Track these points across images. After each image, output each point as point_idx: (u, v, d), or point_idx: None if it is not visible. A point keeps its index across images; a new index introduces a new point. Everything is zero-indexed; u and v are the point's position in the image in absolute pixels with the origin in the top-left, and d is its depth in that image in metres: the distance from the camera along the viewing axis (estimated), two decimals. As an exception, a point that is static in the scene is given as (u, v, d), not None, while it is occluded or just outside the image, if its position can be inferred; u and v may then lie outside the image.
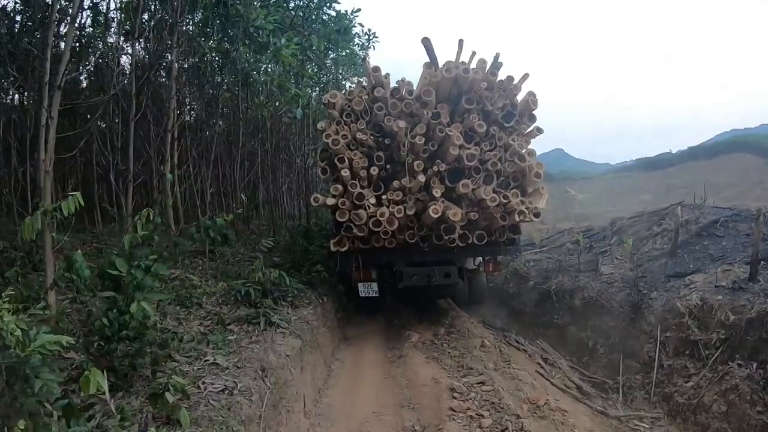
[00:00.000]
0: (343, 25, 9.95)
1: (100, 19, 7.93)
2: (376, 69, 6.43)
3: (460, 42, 6.36)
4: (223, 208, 9.35)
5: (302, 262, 7.35)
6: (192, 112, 10.03)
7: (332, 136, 6.07)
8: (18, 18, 7.04)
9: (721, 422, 4.40)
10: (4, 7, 6.81)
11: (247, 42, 7.58)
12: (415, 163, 6.01)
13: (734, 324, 4.85)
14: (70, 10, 4.67)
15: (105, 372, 2.71)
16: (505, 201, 5.85)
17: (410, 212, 6.00)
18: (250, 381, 3.32)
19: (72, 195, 2.98)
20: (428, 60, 6.61)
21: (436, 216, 5.77)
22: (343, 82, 12.35)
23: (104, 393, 2.31)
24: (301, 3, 9.36)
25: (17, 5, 6.88)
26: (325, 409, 4.63)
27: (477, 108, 6.21)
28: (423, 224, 6.17)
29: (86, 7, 7.72)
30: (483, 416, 4.13)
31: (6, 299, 2.14)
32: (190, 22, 8.17)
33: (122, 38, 7.71)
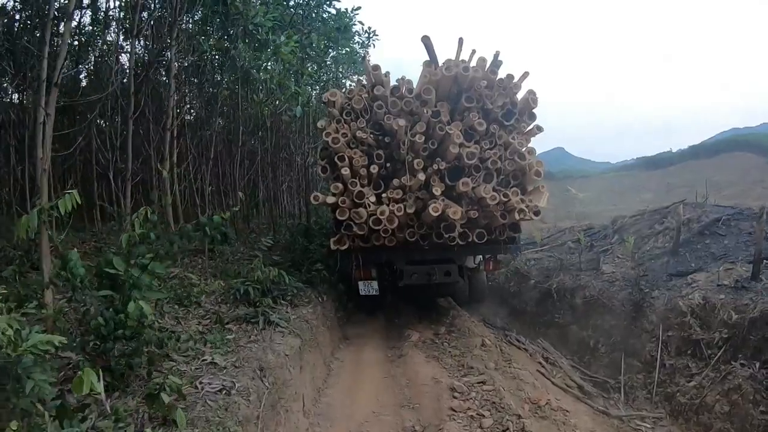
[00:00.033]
0: (343, 23, 9.92)
1: (100, 17, 7.91)
2: (376, 67, 6.43)
3: (460, 40, 6.35)
4: (222, 207, 9.30)
5: (302, 260, 7.32)
6: (192, 111, 10.01)
7: (332, 135, 6.05)
8: (18, 17, 7.03)
9: (724, 422, 4.36)
10: (4, 6, 6.79)
11: (247, 41, 7.55)
12: (415, 161, 6.00)
13: (737, 323, 4.82)
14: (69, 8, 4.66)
15: (101, 372, 2.69)
16: (505, 199, 5.84)
17: (410, 210, 5.98)
18: (248, 381, 3.29)
19: (69, 193, 2.95)
20: (428, 58, 6.60)
21: (436, 214, 5.75)
22: (344, 81, 12.33)
23: (99, 393, 2.28)
24: (301, 1, 9.33)
25: (16, 4, 6.85)
26: (325, 409, 4.59)
27: (477, 106, 6.19)
28: (423, 222, 6.15)
29: (85, 5, 7.71)
30: (484, 416, 4.10)
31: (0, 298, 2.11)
32: (190, 21, 8.14)
33: (122, 37, 7.70)
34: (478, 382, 4.79)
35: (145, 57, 7.69)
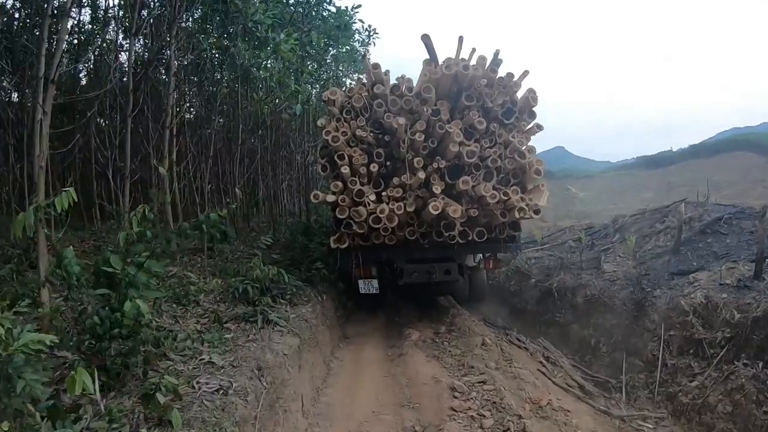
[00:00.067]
0: (343, 21, 9.89)
1: (100, 15, 7.89)
2: (376, 66, 6.44)
3: (460, 39, 6.32)
4: (222, 205, 9.28)
5: (302, 259, 7.29)
6: (192, 110, 9.99)
7: (332, 133, 6.05)
8: (17, 15, 7.01)
9: (727, 423, 4.32)
10: (3, 5, 6.78)
11: (246, 39, 7.53)
12: (415, 159, 5.98)
13: (740, 322, 4.78)
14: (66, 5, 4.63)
15: (96, 371, 2.65)
16: (505, 198, 5.83)
17: (410, 209, 5.96)
18: (246, 380, 3.25)
19: (66, 191, 2.92)
20: (428, 57, 6.59)
21: (436, 213, 5.73)
22: (344, 79, 12.29)
23: (94, 394, 2.25)
24: (301, -2, 9.30)
25: (16, 2, 6.83)
26: (324, 409, 4.56)
27: (477, 105, 6.18)
28: (423, 221, 6.14)
29: (85, 4, 7.69)
30: (484, 416, 4.06)
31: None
32: (189, 19, 8.12)
33: (121, 35, 7.68)
34: (479, 382, 4.75)
35: (145, 55, 7.66)
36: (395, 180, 6.06)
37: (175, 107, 7.15)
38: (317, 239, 8.22)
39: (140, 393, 2.62)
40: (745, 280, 5.40)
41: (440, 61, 6.26)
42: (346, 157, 6.00)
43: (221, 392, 2.99)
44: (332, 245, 6.31)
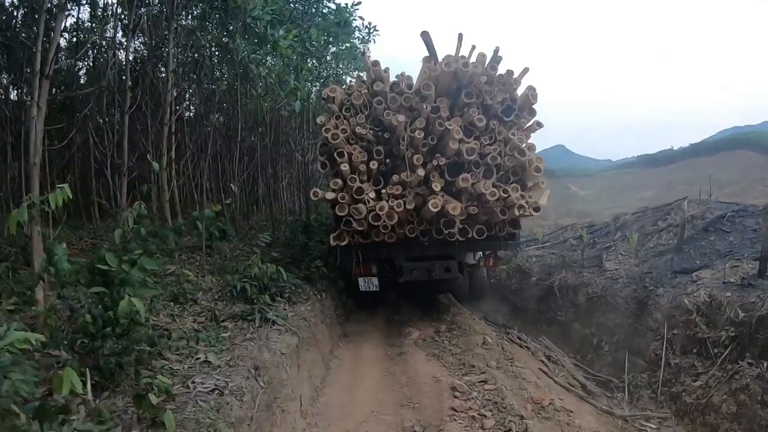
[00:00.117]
0: (342, 18, 9.80)
1: (99, 13, 7.83)
2: (376, 63, 6.44)
3: (460, 36, 6.30)
4: (221, 203, 9.24)
5: (301, 257, 7.24)
6: (191, 107, 9.94)
7: (332, 131, 6.04)
8: (18, 13, 6.97)
9: (731, 423, 4.27)
10: (2, 3, 6.74)
11: (246, 37, 7.49)
12: (415, 157, 5.95)
13: (744, 321, 4.72)
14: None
15: (90, 371, 2.60)
16: (505, 195, 5.81)
17: (410, 206, 5.95)
18: (243, 380, 3.19)
19: (60, 187, 2.87)
20: (427, 54, 6.57)
21: (436, 210, 5.71)
22: (344, 77, 12.23)
23: (86, 394, 2.19)
24: (301, -5, 9.25)
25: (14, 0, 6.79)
26: (323, 409, 4.50)
27: (476, 102, 6.15)
28: (423, 218, 6.12)
29: (84, 2, 7.64)
30: (485, 416, 4.00)
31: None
32: (189, 16, 8.08)
33: (120, 33, 7.62)
34: (480, 381, 4.69)
35: (144, 53, 7.62)
36: (395, 177, 6.03)
37: (173, 104, 7.11)
38: (317, 237, 8.18)
39: (133, 393, 2.56)
40: (749, 278, 5.35)
41: (440, 59, 6.23)
42: (346, 155, 5.99)
43: (216, 392, 2.93)
44: (332, 243, 6.30)
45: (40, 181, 3.83)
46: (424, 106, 6.02)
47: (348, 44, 11.18)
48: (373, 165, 6.06)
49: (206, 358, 3.43)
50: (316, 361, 5.20)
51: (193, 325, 4.15)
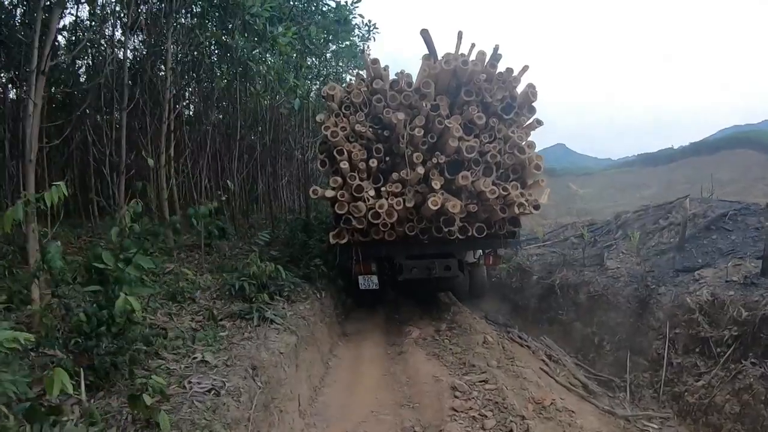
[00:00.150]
0: (342, 16, 9.75)
1: (98, 11, 7.79)
2: (375, 61, 6.39)
3: (459, 34, 6.26)
4: (222, 202, 9.21)
5: (301, 255, 7.22)
6: (190, 105, 9.90)
7: (331, 129, 6.00)
8: (16, 12, 6.95)
9: (734, 423, 4.23)
10: (2, 3, 6.71)
11: (245, 34, 7.45)
12: (415, 155, 5.91)
13: (747, 320, 4.68)
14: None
15: (84, 371, 2.56)
16: (505, 193, 5.77)
17: (409, 204, 5.92)
18: (240, 380, 3.14)
19: (56, 185, 2.83)
20: (427, 52, 6.54)
21: (436, 208, 5.69)
22: (344, 75, 12.18)
23: (79, 394, 2.15)
24: (300, -7, 9.19)
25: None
26: (322, 409, 4.46)
27: (476, 100, 6.11)
28: (422, 216, 6.09)
29: (83, 1, 7.61)
30: (486, 417, 3.95)
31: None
32: (188, 14, 8.04)
33: (119, 30, 7.58)
34: (480, 381, 4.65)
35: (143, 51, 7.59)
36: (394, 175, 6.00)
37: (172, 102, 7.07)
38: (317, 236, 8.15)
39: (128, 393, 2.52)
40: (752, 277, 5.31)
41: (439, 57, 6.20)
42: (346, 153, 5.96)
43: (213, 392, 2.88)
44: (331, 241, 6.26)
45: (38, 180, 3.80)
46: (424, 104, 5.98)
47: (348, 42, 11.13)
48: (373, 163, 6.03)
49: (203, 357, 3.38)
50: (315, 361, 5.16)
51: (191, 324, 4.11)
